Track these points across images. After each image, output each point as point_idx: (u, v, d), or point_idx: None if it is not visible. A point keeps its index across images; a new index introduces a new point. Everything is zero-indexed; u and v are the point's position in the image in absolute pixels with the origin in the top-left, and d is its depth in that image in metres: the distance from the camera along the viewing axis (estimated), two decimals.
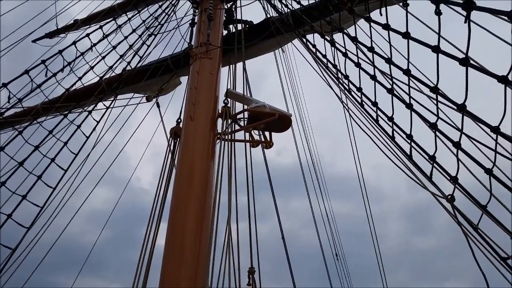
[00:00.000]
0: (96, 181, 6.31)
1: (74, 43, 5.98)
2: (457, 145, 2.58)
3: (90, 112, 5.51)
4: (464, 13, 2.20)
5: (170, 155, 4.65)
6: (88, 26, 7.37)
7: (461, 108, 2.46)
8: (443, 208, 2.64)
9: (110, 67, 5.87)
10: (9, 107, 5.69)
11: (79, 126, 5.37)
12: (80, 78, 5.73)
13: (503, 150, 2.38)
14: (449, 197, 2.63)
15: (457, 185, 2.60)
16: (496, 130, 2.27)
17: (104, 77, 5.86)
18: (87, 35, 6.04)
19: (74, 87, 5.78)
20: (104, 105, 5.72)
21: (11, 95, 5.68)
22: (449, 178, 2.67)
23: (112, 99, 5.83)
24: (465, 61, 2.29)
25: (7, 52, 6.49)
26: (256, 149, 4.62)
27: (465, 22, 2.19)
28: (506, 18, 1.97)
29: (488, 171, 2.40)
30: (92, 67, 5.83)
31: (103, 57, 5.90)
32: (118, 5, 7.03)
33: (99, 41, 6.00)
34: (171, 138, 4.82)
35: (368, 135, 3.35)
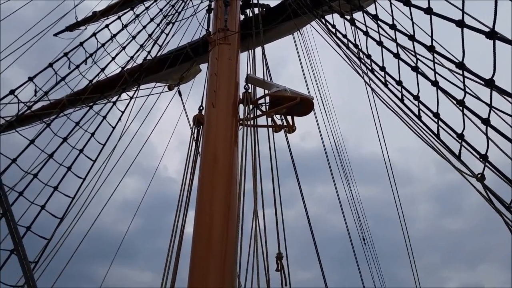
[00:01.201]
0: (124, 170, 6.45)
1: (94, 34, 6.04)
2: (486, 121, 2.50)
3: (114, 103, 5.59)
4: None
5: (194, 143, 4.69)
6: (106, 18, 7.44)
7: (489, 83, 2.37)
8: (473, 188, 2.57)
9: (131, 57, 5.92)
10: (36, 100, 5.83)
11: (104, 117, 5.46)
12: (102, 70, 5.81)
13: None
14: (479, 176, 2.56)
15: (487, 164, 2.53)
16: None
17: (126, 68, 5.92)
18: (106, 26, 6.08)
19: (97, 79, 5.88)
20: (128, 95, 5.79)
21: (37, 88, 5.82)
22: (478, 156, 2.59)
23: (135, 89, 5.90)
24: (492, 35, 2.20)
25: (30, 47, 6.62)
26: (280, 134, 4.61)
27: None
28: None
29: None
30: (113, 58, 5.88)
31: (124, 48, 5.94)
32: None
33: (119, 31, 6.04)
34: (194, 126, 4.85)
35: (396, 113, 3.28)
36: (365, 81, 3.87)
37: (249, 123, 4.29)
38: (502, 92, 2.32)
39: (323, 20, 4.48)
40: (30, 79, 5.55)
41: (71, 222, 5.11)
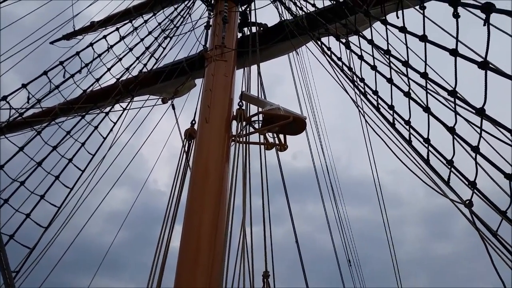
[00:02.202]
0: (114, 182, 6.39)
1: (91, 44, 6.07)
2: (475, 149, 2.54)
3: (107, 113, 5.58)
4: (483, 15, 2.17)
5: (184, 157, 4.68)
6: (104, 28, 7.48)
7: (480, 112, 2.42)
8: (461, 214, 2.60)
9: (127, 69, 5.94)
10: (28, 107, 5.80)
11: (96, 127, 5.45)
12: (97, 80, 5.82)
13: None
14: (467, 202, 2.59)
15: (475, 190, 2.56)
16: None
17: (121, 79, 5.94)
18: (104, 36, 6.12)
19: (91, 88, 5.87)
20: (121, 106, 5.78)
21: (30, 95, 5.79)
22: (467, 183, 2.62)
23: (128, 100, 5.90)
24: (484, 65, 2.25)
25: (28, 54, 6.61)
26: (271, 152, 4.62)
27: (484, 25, 2.16)
28: None
29: (508, 176, 2.35)
30: (109, 69, 5.91)
31: (120, 59, 5.97)
32: (134, 8, 7.12)
33: (116, 43, 6.08)
34: (185, 139, 4.84)
35: (383, 140, 3.32)
36: (356, 105, 3.92)
37: (241, 139, 4.30)
38: (492, 121, 2.37)
39: (319, 42, 4.56)
40: (24, 86, 5.54)
41: (56, 232, 5.02)
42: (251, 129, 4.62)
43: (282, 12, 5.83)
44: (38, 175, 4.93)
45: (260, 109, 4.68)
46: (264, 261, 3.75)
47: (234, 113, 4.67)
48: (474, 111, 2.46)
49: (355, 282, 6.06)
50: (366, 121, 3.72)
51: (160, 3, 6.89)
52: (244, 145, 4.32)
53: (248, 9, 6.25)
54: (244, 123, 4.53)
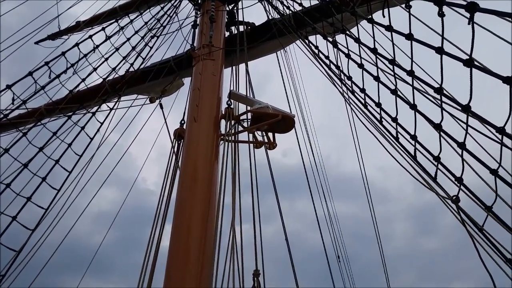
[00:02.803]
0: (103, 182, 6.34)
1: (77, 44, 6.01)
2: (462, 145, 2.58)
3: (94, 113, 5.53)
4: (468, 14, 2.20)
5: (174, 157, 4.66)
6: (90, 28, 7.40)
7: (466, 109, 2.46)
8: (448, 209, 2.64)
9: (113, 69, 5.89)
10: (13, 108, 5.72)
11: (83, 128, 5.40)
12: (83, 80, 5.77)
13: (508, 151, 2.38)
14: (454, 198, 2.63)
15: (462, 186, 2.60)
16: (501, 131, 2.26)
17: (108, 79, 5.88)
18: (90, 36, 6.06)
19: (77, 89, 5.81)
20: (108, 106, 5.74)
21: (15, 96, 5.71)
22: (453, 179, 2.66)
23: (115, 100, 5.85)
24: (469, 62, 2.29)
25: (11, 54, 6.52)
26: (261, 150, 4.63)
27: (468, 23, 2.19)
28: (509, 19, 1.96)
29: (494, 172, 2.39)
30: (95, 69, 5.85)
31: (106, 59, 5.92)
32: (120, 7, 7.06)
33: (102, 42, 6.02)
34: (175, 140, 4.82)
35: (374, 134, 3.35)
36: (345, 101, 3.94)
37: (230, 138, 4.29)
38: (477, 117, 2.41)
39: (306, 41, 4.58)
40: (8, 87, 5.47)
41: (43, 234, 4.97)
42: (240, 128, 4.62)
43: (269, 11, 5.85)
44: (24, 176, 4.87)
45: (248, 108, 4.68)
46: (254, 260, 3.75)
47: (223, 112, 4.67)
48: (460, 108, 2.50)
49: (345, 280, 6.12)
50: (353, 118, 3.75)
51: (146, 3, 6.85)
52: (233, 144, 4.32)
53: (235, 8, 6.24)
54: (233, 122, 4.53)
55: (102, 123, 5.46)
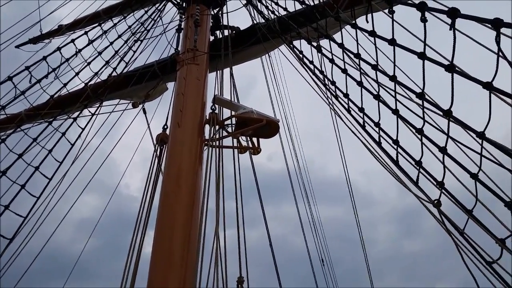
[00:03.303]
0: (84, 188, 6.23)
1: (58, 48, 5.92)
2: (443, 150, 2.61)
3: (75, 119, 5.44)
4: (449, 20, 2.23)
5: (156, 162, 4.60)
6: (73, 32, 7.30)
7: (447, 114, 2.48)
8: (430, 213, 2.65)
9: (96, 73, 5.81)
10: None
11: (63, 134, 5.30)
12: (65, 85, 5.67)
13: (488, 155, 2.41)
14: (435, 202, 2.65)
15: (443, 190, 2.62)
16: (481, 135, 2.29)
17: (90, 83, 5.79)
18: (72, 40, 5.97)
19: (58, 94, 5.71)
20: (90, 111, 5.65)
21: None
22: (435, 183, 2.69)
23: (97, 105, 5.76)
24: (451, 68, 2.32)
25: None
26: (246, 155, 4.60)
27: (450, 29, 2.22)
28: (490, 26, 1.99)
29: (474, 176, 2.42)
30: (77, 73, 5.76)
31: (89, 63, 5.84)
32: (104, 11, 6.97)
33: (84, 47, 5.93)
34: (157, 145, 4.77)
35: (359, 138, 3.36)
36: (329, 106, 3.96)
37: (214, 143, 4.26)
38: (459, 123, 2.43)
39: (291, 46, 4.59)
40: None
41: (21, 242, 4.84)
42: (224, 133, 4.59)
43: (254, 15, 5.85)
44: (3, 184, 4.76)
45: (233, 113, 4.66)
46: (238, 265, 3.71)
47: (207, 117, 4.64)
48: (441, 113, 2.52)
49: (328, 282, 6.12)
50: (337, 123, 3.77)
51: (130, 6, 6.78)
52: (217, 149, 4.28)
53: (220, 12, 6.23)
54: (217, 127, 4.50)
55: (83, 129, 5.38)
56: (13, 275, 4.84)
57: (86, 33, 6.03)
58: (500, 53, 1.97)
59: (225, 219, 3.78)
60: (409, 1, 2.61)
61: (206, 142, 4.44)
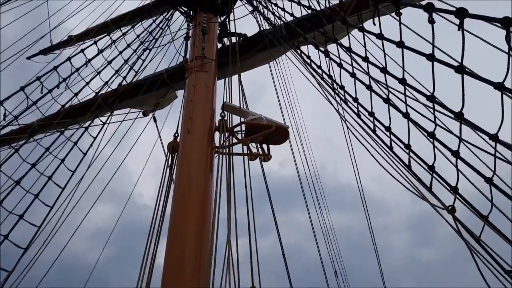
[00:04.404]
0: (97, 198, 6.27)
1: (69, 59, 6.00)
2: (456, 154, 2.54)
3: (86, 128, 5.49)
4: (457, 21, 2.18)
5: (168, 170, 4.60)
6: (82, 42, 7.39)
7: (459, 116, 2.42)
8: (444, 220, 2.58)
9: (106, 83, 5.87)
10: (5, 125, 5.67)
11: (75, 143, 5.36)
12: (76, 94, 5.74)
13: (502, 158, 2.33)
14: (449, 208, 2.58)
15: (457, 196, 2.55)
16: (495, 138, 2.22)
17: (100, 93, 5.85)
18: (82, 50, 6.05)
19: (70, 103, 5.78)
20: (101, 120, 5.70)
21: (6, 112, 5.67)
22: (449, 188, 2.62)
23: (108, 114, 5.81)
24: (461, 69, 2.26)
25: (3, 69, 6.49)
26: (257, 161, 4.57)
27: (458, 30, 2.16)
28: (499, 24, 1.94)
29: (489, 180, 2.34)
30: (87, 83, 5.83)
31: (99, 73, 5.90)
32: (112, 21, 7.05)
33: (94, 56, 6.01)
34: (168, 153, 4.77)
35: (365, 147, 3.31)
36: (338, 112, 3.91)
37: (224, 151, 4.24)
38: (471, 125, 2.37)
39: (298, 51, 4.56)
40: None
41: (36, 252, 4.88)
42: (234, 140, 4.57)
43: (261, 22, 5.84)
44: (17, 194, 4.81)
45: (242, 119, 4.64)
46: (250, 274, 3.67)
47: (217, 124, 4.62)
48: (453, 116, 2.46)
49: None
50: (348, 128, 3.72)
51: (138, 16, 6.85)
52: (228, 156, 4.27)
53: (227, 20, 6.25)
54: (226, 134, 4.48)
55: (95, 138, 5.42)
56: (28, 284, 4.87)
57: (95, 43, 6.10)
58: (511, 52, 1.90)
59: (237, 227, 3.75)
60: (416, 3, 2.55)
61: (216, 149, 4.42)
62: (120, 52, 6.01)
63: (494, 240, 2.35)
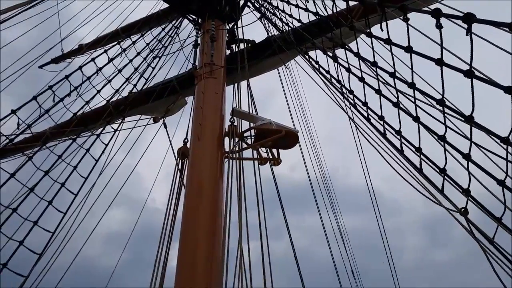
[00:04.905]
0: (110, 203, 6.35)
1: (80, 67, 6.08)
2: (467, 157, 2.55)
3: (98, 135, 5.57)
4: (465, 25, 2.20)
5: (178, 175, 4.65)
6: (94, 50, 7.50)
7: (469, 120, 2.43)
8: (458, 222, 2.59)
9: (117, 90, 5.95)
10: (18, 133, 5.76)
11: (88, 150, 5.43)
12: (87, 103, 5.82)
13: None
14: (462, 210, 2.59)
15: (469, 198, 2.56)
16: (506, 140, 2.24)
17: (111, 100, 5.93)
18: (93, 59, 6.14)
19: (82, 111, 5.86)
20: (112, 128, 5.78)
21: (20, 121, 5.76)
22: (461, 190, 2.63)
23: (119, 121, 5.89)
24: (470, 73, 2.27)
25: (17, 78, 6.59)
26: (267, 166, 4.60)
27: (466, 34, 2.18)
28: (507, 29, 1.96)
29: (501, 183, 2.35)
30: (98, 91, 5.91)
31: (109, 81, 5.98)
32: (122, 29, 7.16)
33: (105, 65, 6.09)
34: (178, 159, 4.82)
35: (377, 150, 3.33)
36: (348, 116, 3.93)
37: (234, 156, 4.28)
38: (481, 128, 2.38)
39: (306, 56, 4.59)
40: (13, 111, 5.52)
41: (51, 257, 4.96)
42: (244, 145, 4.61)
43: (269, 28, 5.89)
44: (31, 201, 4.89)
45: (251, 125, 4.68)
46: (262, 277, 3.69)
47: (226, 130, 4.67)
48: (463, 119, 2.48)
49: None
50: (358, 131, 3.74)
51: (147, 24, 6.94)
52: (238, 161, 4.30)
53: (235, 26, 6.31)
54: (236, 139, 4.53)
55: (106, 145, 5.50)
56: None
57: (105, 51, 6.19)
58: None
59: (248, 231, 3.78)
60: (424, 8, 2.58)
61: (226, 155, 4.46)
62: (130, 61, 6.09)
63: (508, 241, 2.35)
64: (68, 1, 7.65)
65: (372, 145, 3.37)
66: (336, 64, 3.82)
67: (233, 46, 6.13)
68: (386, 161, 3.19)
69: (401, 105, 3.06)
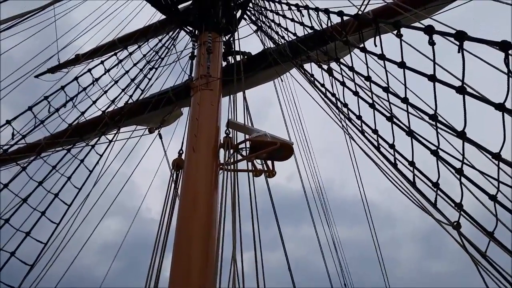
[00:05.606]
0: (107, 214, 6.32)
1: (76, 78, 6.09)
2: (459, 172, 2.57)
3: (93, 146, 5.56)
4: (457, 42, 2.24)
5: (173, 187, 4.64)
6: (90, 60, 7.52)
7: (461, 135, 2.46)
8: (450, 236, 2.61)
9: (112, 101, 5.95)
10: (13, 143, 5.74)
11: (82, 161, 5.41)
12: (82, 113, 5.81)
13: (506, 176, 2.37)
14: (455, 223, 2.60)
15: (462, 212, 2.58)
16: (497, 157, 2.26)
17: (107, 111, 5.93)
18: (89, 70, 6.15)
19: (77, 121, 5.86)
20: (107, 138, 5.76)
21: (14, 131, 5.75)
22: (453, 205, 2.65)
23: (114, 132, 5.88)
24: (462, 90, 2.31)
25: (14, 89, 6.59)
26: (262, 177, 4.61)
27: (458, 52, 2.22)
28: (498, 48, 2.00)
29: (493, 198, 2.38)
30: (94, 102, 5.91)
31: (105, 91, 5.99)
32: (119, 40, 7.19)
33: (101, 76, 6.10)
34: (173, 170, 4.82)
35: (374, 161, 3.35)
36: (343, 129, 3.96)
37: (229, 167, 4.29)
38: (473, 143, 2.41)
39: (301, 69, 4.63)
40: (8, 122, 5.51)
41: (43, 268, 4.91)
42: (239, 157, 4.62)
43: (265, 40, 5.95)
44: (24, 211, 4.85)
45: (247, 137, 4.70)
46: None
47: (221, 141, 4.68)
48: (455, 134, 2.51)
49: None
50: (352, 145, 3.76)
51: (144, 35, 6.98)
52: (232, 173, 4.31)
53: (231, 39, 6.36)
54: (231, 151, 4.54)
55: (101, 156, 5.48)
56: None
57: (102, 62, 6.20)
58: (510, 75, 1.96)
59: (242, 242, 3.77)
60: (416, 24, 2.62)
61: (221, 166, 4.47)
62: (126, 72, 6.11)
63: (500, 254, 2.36)
64: (66, 11, 7.68)
65: (369, 156, 3.38)
66: (331, 77, 3.85)
67: (229, 58, 6.18)
68: (383, 172, 3.21)
69: (394, 119, 3.09)
